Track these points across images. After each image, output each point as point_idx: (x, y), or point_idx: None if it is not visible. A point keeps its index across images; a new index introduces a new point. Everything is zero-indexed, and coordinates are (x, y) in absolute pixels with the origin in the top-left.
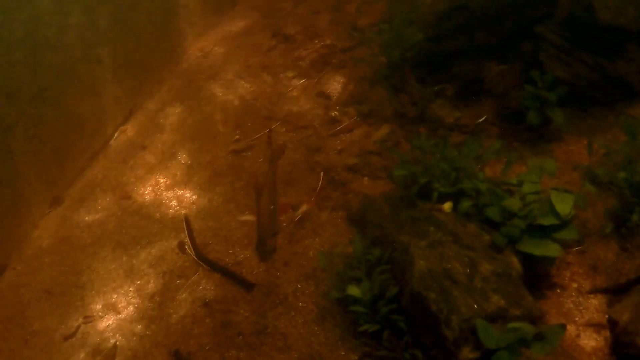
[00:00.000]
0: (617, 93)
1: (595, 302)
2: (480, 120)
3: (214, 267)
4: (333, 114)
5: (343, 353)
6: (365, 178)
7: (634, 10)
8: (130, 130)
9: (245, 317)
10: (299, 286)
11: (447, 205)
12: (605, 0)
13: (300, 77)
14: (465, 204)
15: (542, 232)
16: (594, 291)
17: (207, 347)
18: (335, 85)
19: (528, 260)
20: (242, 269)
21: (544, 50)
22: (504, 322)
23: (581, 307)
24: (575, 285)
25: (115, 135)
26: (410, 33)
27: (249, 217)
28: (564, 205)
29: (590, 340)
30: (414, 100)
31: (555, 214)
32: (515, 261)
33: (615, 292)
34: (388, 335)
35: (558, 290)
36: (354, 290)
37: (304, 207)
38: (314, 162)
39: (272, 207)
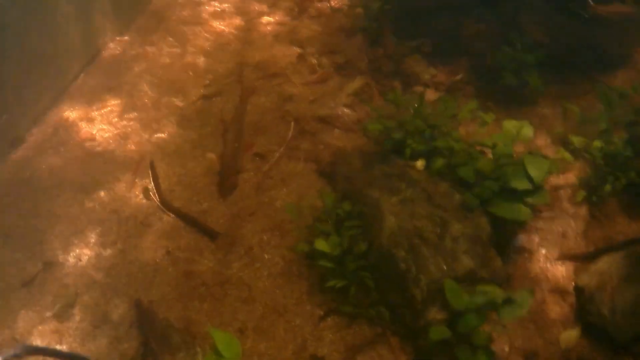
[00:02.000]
0: (595, 60)
1: (562, 269)
2: (456, 78)
3: (178, 214)
4: (306, 63)
5: (309, 307)
6: (337, 130)
7: None
8: (96, 71)
9: (209, 267)
10: (264, 237)
11: (420, 163)
12: None
13: (275, 24)
14: (439, 163)
15: (514, 196)
16: (562, 258)
17: (170, 297)
18: (311, 33)
19: (498, 223)
20: (207, 217)
21: (525, 12)
22: (472, 284)
23: (548, 273)
24: (543, 250)
25: (81, 75)
26: None
27: (212, 156)
28: (537, 171)
29: (555, 306)
30: (389, 54)
31: (529, 178)
32: (485, 222)
33: (583, 260)
34: (355, 292)
35: (526, 255)
36: (322, 245)
37: (274, 157)
38: (284, 110)
39: (236, 145)
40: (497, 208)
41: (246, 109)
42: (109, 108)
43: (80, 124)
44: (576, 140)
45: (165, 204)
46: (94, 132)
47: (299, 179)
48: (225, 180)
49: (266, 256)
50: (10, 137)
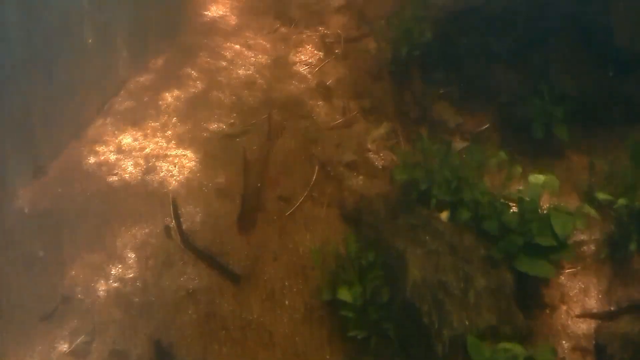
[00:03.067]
0: (623, 114)
1: (584, 326)
2: (483, 127)
3: (201, 255)
4: (333, 106)
5: (328, 357)
6: (362, 176)
7: None
8: (121, 103)
9: (231, 310)
10: (287, 282)
11: (445, 214)
12: (624, 23)
13: (301, 64)
14: (464, 215)
15: (539, 251)
16: (583, 315)
17: (190, 339)
18: (338, 75)
19: (521, 277)
20: (230, 259)
21: (555, 64)
22: (494, 339)
23: (569, 330)
24: (565, 307)
25: (105, 107)
26: (419, 30)
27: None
28: (563, 227)
29: None
30: (417, 100)
31: (554, 234)
32: (509, 277)
33: (605, 318)
34: (376, 343)
35: (547, 311)
36: (344, 294)
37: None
38: (310, 154)
39: (259, 184)
40: (521, 263)
41: (272, 148)
42: (133, 142)
43: (103, 157)
44: (602, 197)
45: (187, 244)
46: (116, 166)
47: (323, 224)
48: (245, 217)
49: (288, 302)
50: (33, 167)
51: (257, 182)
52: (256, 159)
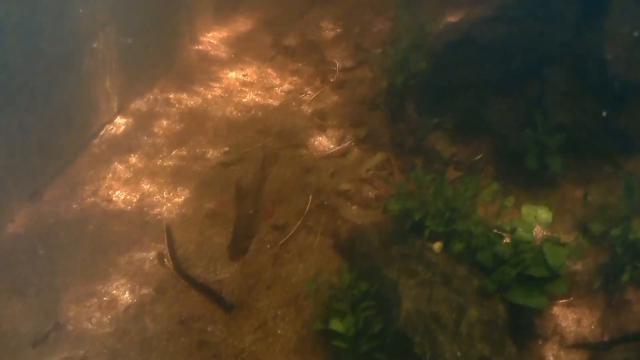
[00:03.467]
0: (616, 145)
1: (577, 357)
2: (477, 158)
3: (193, 283)
4: (328, 135)
5: None
6: (356, 206)
7: None
8: (117, 129)
9: (223, 339)
10: (279, 312)
11: (438, 245)
12: (618, 54)
13: (296, 92)
14: (458, 246)
15: (532, 283)
16: (576, 346)
17: None
18: (333, 104)
19: (514, 308)
20: (223, 287)
21: (549, 94)
22: None
23: None
24: (558, 338)
25: (102, 132)
26: (415, 60)
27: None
28: (556, 259)
29: None
30: (412, 130)
31: (547, 265)
32: (502, 309)
33: (598, 349)
34: None
35: (540, 342)
36: (337, 325)
37: (291, 229)
38: (304, 182)
39: (251, 211)
40: (514, 295)
41: (266, 176)
42: (128, 168)
43: (98, 182)
44: (595, 228)
45: (180, 272)
46: (111, 193)
47: (316, 253)
48: (237, 244)
49: (280, 331)
50: (29, 191)
51: (250, 209)
52: (250, 186)
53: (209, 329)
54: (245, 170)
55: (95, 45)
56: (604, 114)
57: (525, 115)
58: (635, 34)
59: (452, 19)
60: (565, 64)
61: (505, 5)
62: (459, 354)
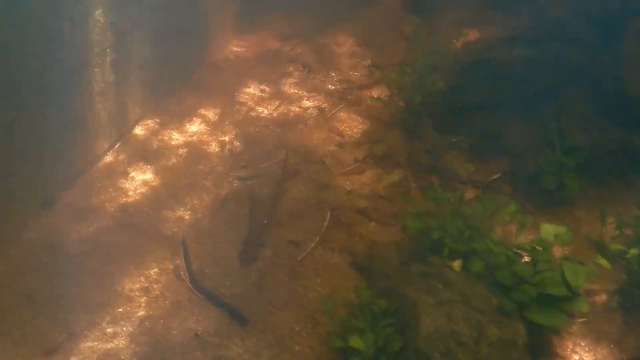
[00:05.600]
0: (633, 166)
1: None
2: (494, 177)
3: (209, 297)
4: (345, 152)
5: None
6: (373, 223)
7: None
8: (132, 141)
9: (238, 354)
10: (296, 327)
11: (457, 264)
12: (634, 73)
13: (314, 109)
14: (477, 265)
15: (551, 302)
16: None
17: None
18: (350, 122)
19: (533, 327)
20: (239, 302)
21: (566, 115)
22: None
23: None
24: (576, 357)
25: (118, 143)
26: (432, 80)
27: None
28: (576, 278)
29: None
30: (428, 149)
31: (567, 285)
32: (521, 328)
33: None
34: None
35: None
36: (356, 342)
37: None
38: (321, 199)
39: (265, 221)
40: (534, 314)
41: (284, 190)
42: (143, 180)
43: (112, 192)
44: (613, 247)
45: (196, 285)
46: (126, 203)
47: (333, 270)
48: (247, 251)
49: (297, 347)
50: (42, 199)
51: (263, 218)
52: (265, 198)
53: (225, 343)
54: (262, 185)
55: (112, 55)
56: (621, 132)
57: (542, 136)
58: None
59: (469, 38)
60: (582, 86)
61: (522, 27)
62: None
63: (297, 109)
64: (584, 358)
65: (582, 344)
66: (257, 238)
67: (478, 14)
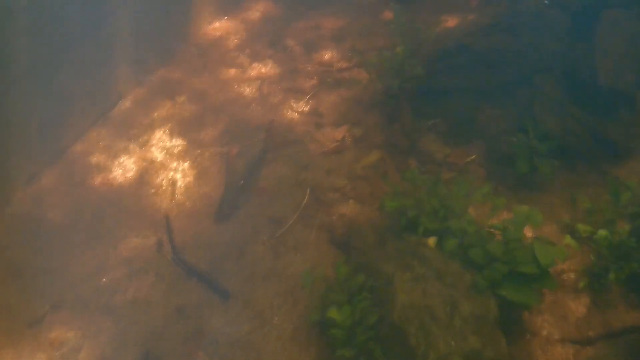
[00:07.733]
0: (603, 152)
1: (562, 351)
2: (469, 159)
3: (191, 271)
4: (324, 133)
5: None
6: (351, 201)
7: (633, 76)
8: (117, 116)
9: (219, 327)
10: (276, 302)
11: (432, 241)
12: (608, 63)
13: (294, 91)
14: (451, 243)
15: (522, 279)
16: (562, 340)
17: (178, 353)
18: (329, 103)
19: (504, 303)
20: (220, 276)
21: (539, 101)
22: None
23: (548, 355)
24: (545, 332)
25: (102, 119)
26: (411, 64)
27: None
28: (546, 256)
29: None
30: (406, 131)
31: (537, 263)
32: (493, 304)
33: (582, 344)
34: None
35: (528, 336)
36: (334, 314)
37: (288, 223)
38: (301, 178)
39: (242, 182)
40: (505, 291)
41: (264, 156)
42: (127, 155)
43: (97, 168)
44: (582, 229)
45: (178, 259)
46: (110, 178)
47: (312, 247)
48: (222, 210)
49: (276, 320)
50: (27, 173)
51: (240, 180)
52: (244, 166)
53: (205, 316)
54: (242, 159)
55: (99, 32)
56: (593, 120)
57: (516, 121)
58: (624, 45)
59: (448, 25)
60: (556, 73)
61: (500, 14)
62: (452, 344)
63: (278, 90)
64: (553, 333)
65: (551, 321)
66: (233, 198)
67: (458, 2)
